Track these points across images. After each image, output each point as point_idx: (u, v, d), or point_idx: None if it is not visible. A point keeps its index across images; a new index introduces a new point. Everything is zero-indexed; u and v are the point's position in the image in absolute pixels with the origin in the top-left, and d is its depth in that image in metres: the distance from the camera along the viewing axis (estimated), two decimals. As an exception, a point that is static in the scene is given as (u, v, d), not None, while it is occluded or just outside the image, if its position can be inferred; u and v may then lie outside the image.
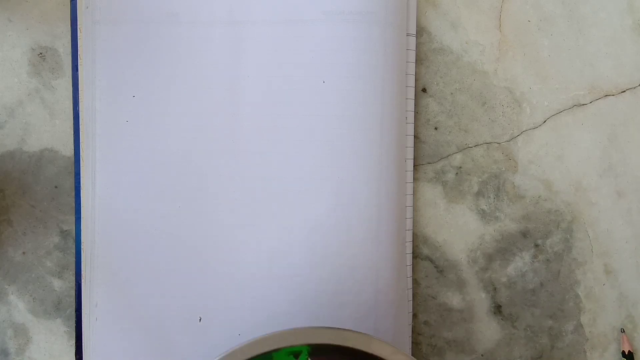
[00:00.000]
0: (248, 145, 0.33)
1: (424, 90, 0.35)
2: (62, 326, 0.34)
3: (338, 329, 0.27)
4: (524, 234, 0.35)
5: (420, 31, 0.35)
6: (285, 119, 0.33)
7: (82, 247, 0.33)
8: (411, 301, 0.35)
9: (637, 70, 0.36)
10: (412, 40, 0.34)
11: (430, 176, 0.35)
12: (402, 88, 0.34)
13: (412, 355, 0.35)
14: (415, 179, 0.35)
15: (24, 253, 0.34)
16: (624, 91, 0.36)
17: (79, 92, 0.33)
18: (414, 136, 0.35)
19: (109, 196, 0.33)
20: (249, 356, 0.26)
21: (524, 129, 0.35)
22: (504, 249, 0.35)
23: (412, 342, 0.35)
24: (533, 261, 0.35)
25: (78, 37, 0.33)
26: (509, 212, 0.35)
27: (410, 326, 0.35)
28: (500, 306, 0.35)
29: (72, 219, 0.34)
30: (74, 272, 0.34)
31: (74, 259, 0.34)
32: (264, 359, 0.27)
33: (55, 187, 0.34)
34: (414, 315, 0.35)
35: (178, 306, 0.33)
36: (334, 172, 0.32)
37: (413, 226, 0.35)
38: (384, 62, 0.33)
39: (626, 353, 0.35)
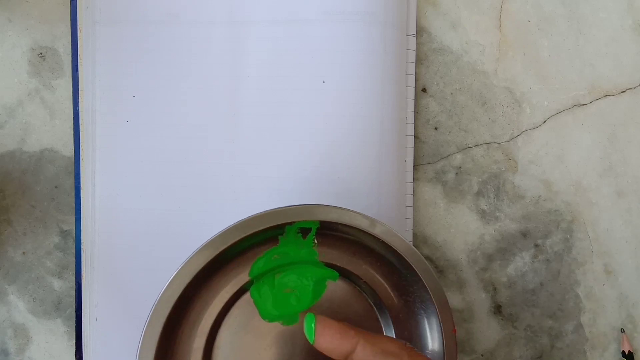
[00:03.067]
0: (248, 145, 0.33)
1: (424, 90, 0.35)
2: (62, 326, 0.34)
3: (346, 208, 0.28)
4: (524, 234, 0.35)
5: (420, 31, 0.35)
6: (286, 118, 0.33)
7: (82, 247, 0.33)
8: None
9: (637, 70, 0.36)
10: (412, 40, 0.34)
11: (430, 176, 0.35)
12: (402, 88, 0.34)
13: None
14: (415, 179, 0.35)
15: (24, 253, 0.34)
16: (624, 91, 0.36)
17: (79, 92, 0.33)
18: (414, 136, 0.35)
19: (109, 196, 0.33)
20: (265, 226, 0.27)
21: (524, 129, 0.35)
22: (504, 249, 0.35)
23: (412, 342, 0.35)
24: (533, 261, 0.35)
25: (78, 37, 0.33)
26: (509, 212, 0.35)
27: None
28: (500, 306, 0.35)
29: (72, 219, 0.34)
30: (74, 272, 0.34)
31: (74, 259, 0.34)
32: (275, 233, 0.28)
33: (55, 187, 0.34)
34: (414, 315, 0.35)
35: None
36: (334, 172, 0.32)
37: (413, 226, 0.35)
38: (384, 62, 0.33)
39: (626, 353, 0.35)
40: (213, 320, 0.29)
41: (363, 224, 0.27)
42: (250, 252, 0.29)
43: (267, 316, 0.29)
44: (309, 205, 0.27)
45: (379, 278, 0.30)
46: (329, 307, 0.30)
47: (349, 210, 0.27)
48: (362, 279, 0.30)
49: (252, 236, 0.27)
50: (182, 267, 0.26)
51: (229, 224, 0.27)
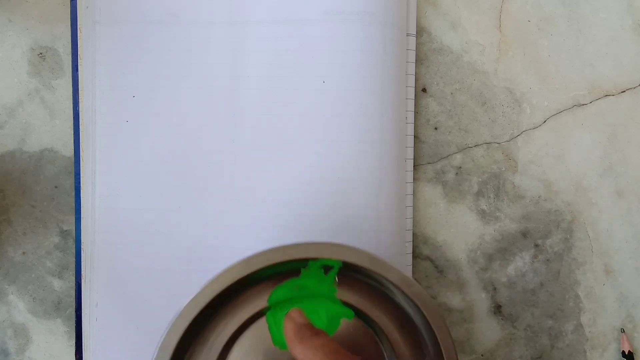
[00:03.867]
0: (248, 145, 0.33)
1: (424, 90, 0.35)
2: (62, 326, 0.34)
3: (376, 256, 0.27)
4: (524, 234, 0.35)
5: (420, 31, 0.35)
6: (286, 118, 0.33)
7: (82, 247, 0.33)
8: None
9: (637, 70, 0.36)
10: (412, 40, 0.34)
11: (430, 176, 0.35)
12: (402, 88, 0.34)
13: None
14: (415, 179, 0.35)
15: (24, 253, 0.34)
16: (624, 91, 0.36)
17: (79, 92, 0.33)
18: (414, 136, 0.35)
19: (109, 196, 0.33)
20: (288, 259, 0.27)
21: (524, 129, 0.35)
22: (504, 249, 0.35)
23: (412, 342, 0.35)
24: (533, 261, 0.35)
25: (78, 37, 0.33)
26: (509, 212, 0.35)
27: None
28: (500, 306, 0.35)
29: (72, 219, 0.34)
30: (74, 272, 0.34)
31: (74, 259, 0.34)
32: (299, 265, 0.28)
33: (55, 187, 0.34)
34: (414, 315, 0.35)
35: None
36: (333, 172, 0.32)
37: (413, 226, 0.35)
38: (384, 62, 0.33)
39: (626, 353, 0.35)
40: (227, 339, 0.29)
41: (388, 275, 0.27)
42: (272, 279, 0.29)
43: (278, 343, 0.29)
44: (336, 244, 0.27)
45: (393, 327, 0.30)
46: (341, 345, 0.29)
47: (378, 258, 0.27)
48: (377, 323, 0.30)
49: (275, 265, 0.27)
50: (205, 287, 0.26)
51: (254, 252, 0.27)
